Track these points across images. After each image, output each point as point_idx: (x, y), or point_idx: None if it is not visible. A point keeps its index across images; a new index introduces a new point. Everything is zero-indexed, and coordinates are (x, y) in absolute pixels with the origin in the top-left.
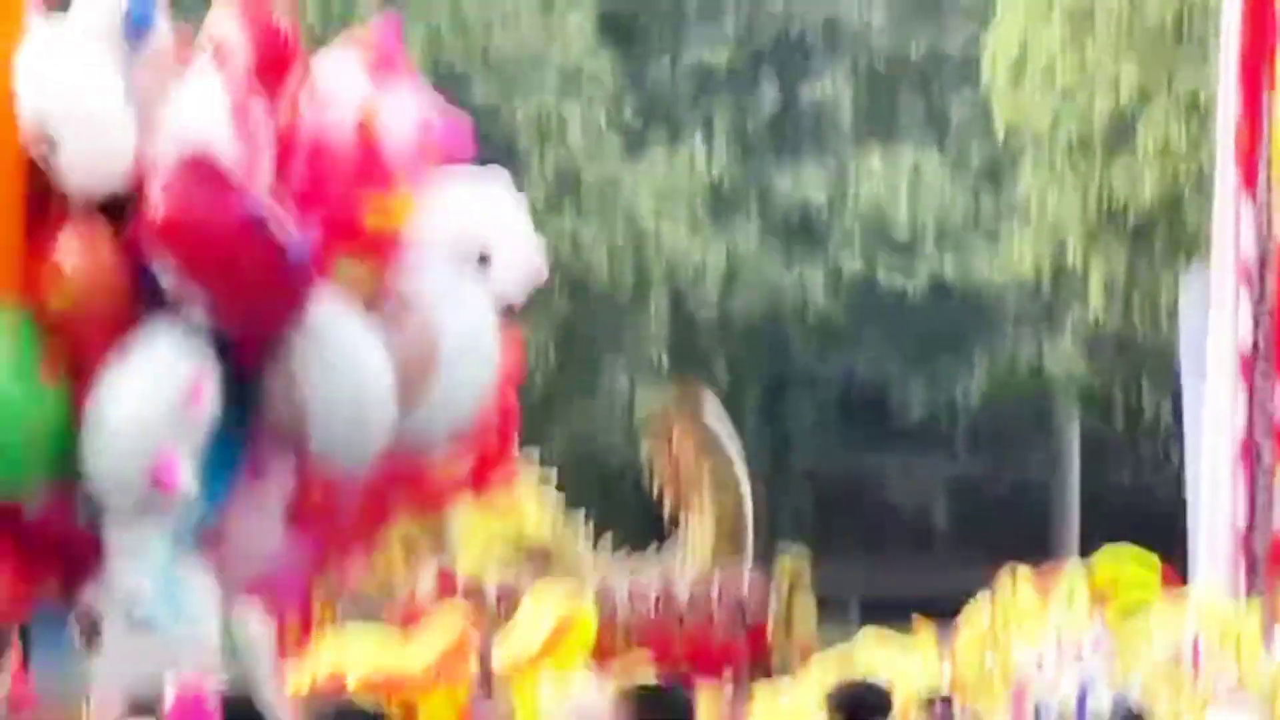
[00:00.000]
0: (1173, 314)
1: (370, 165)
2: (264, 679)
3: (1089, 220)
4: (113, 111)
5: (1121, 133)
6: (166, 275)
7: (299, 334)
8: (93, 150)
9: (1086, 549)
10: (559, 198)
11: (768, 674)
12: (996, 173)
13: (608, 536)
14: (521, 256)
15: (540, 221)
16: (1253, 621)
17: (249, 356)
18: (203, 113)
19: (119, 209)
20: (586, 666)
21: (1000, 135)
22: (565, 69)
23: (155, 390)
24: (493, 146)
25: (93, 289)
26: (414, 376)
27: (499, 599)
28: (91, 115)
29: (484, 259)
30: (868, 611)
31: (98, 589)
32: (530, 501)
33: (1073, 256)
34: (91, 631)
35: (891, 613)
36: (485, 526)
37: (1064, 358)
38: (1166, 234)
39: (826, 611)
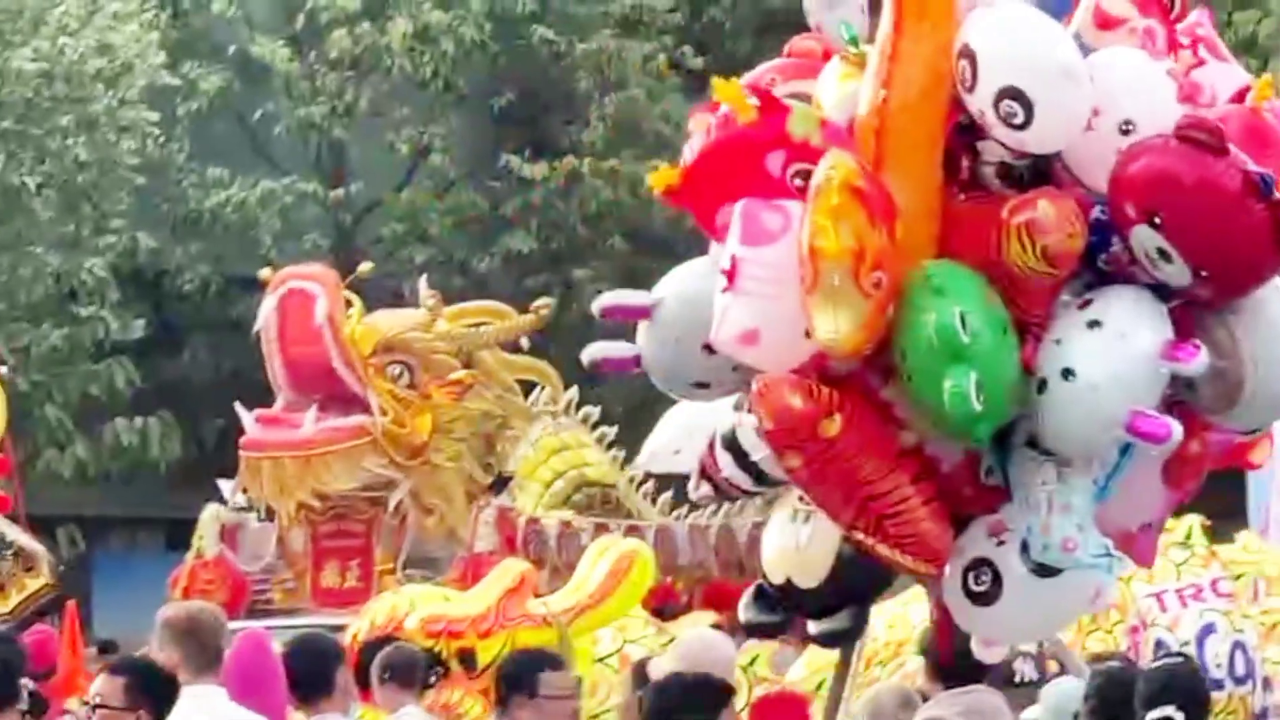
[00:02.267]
0: None
1: (1265, 138)
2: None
3: None
4: (1083, 74)
5: None
6: (1143, 238)
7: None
8: (1064, 111)
9: None
10: (619, 139)
11: None
12: None
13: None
14: None
15: (597, 165)
16: None
17: (1184, 315)
18: (1146, 79)
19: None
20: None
21: None
22: (624, 8)
23: (1134, 349)
24: (552, 87)
25: (1071, 250)
26: None
27: (559, 539)
28: (1068, 77)
29: None
30: None
31: (986, 541)
32: (591, 443)
33: None
34: (992, 584)
35: None
36: (548, 467)
37: None
38: None
39: None
